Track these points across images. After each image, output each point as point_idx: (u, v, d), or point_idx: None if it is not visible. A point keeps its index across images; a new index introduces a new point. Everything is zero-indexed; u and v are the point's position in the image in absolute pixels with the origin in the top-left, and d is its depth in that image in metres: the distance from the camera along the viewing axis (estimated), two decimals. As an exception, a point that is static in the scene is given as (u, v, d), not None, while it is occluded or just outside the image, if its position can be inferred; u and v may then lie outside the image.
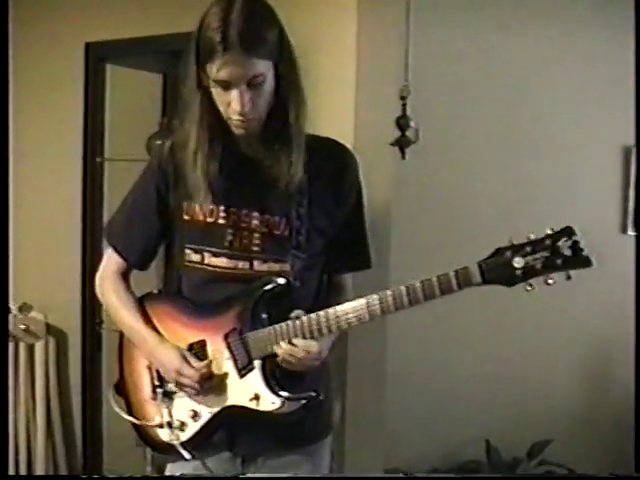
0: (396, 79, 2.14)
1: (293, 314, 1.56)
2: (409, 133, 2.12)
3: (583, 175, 2.93)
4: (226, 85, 1.51)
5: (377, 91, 2.17)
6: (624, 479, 2.07)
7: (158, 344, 1.67)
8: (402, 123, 2.11)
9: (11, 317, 1.83)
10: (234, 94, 1.51)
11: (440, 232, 2.46)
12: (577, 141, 2.89)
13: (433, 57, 2.37)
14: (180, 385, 1.63)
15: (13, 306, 1.96)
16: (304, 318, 1.55)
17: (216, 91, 1.54)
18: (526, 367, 2.85)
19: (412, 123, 2.12)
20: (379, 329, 2.25)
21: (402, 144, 2.12)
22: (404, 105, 2.11)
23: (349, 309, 1.52)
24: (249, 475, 1.70)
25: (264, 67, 1.51)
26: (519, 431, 2.79)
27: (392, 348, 2.34)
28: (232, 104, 1.52)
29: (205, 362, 1.62)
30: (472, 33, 2.54)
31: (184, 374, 1.61)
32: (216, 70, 1.49)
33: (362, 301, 1.50)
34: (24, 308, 2.13)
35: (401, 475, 2.44)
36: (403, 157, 2.13)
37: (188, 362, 1.62)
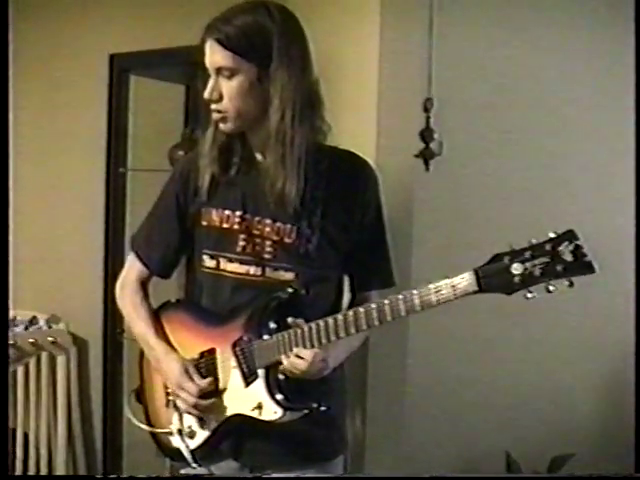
0: (420, 92, 2.14)
1: (289, 320, 1.55)
2: (433, 145, 2.12)
3: (603, 185, 2.92)
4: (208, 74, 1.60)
5: (401, 103, 2.17)
6: (624, 479, 2.04)
7: (164, 355, 1.70)
8: (426, 135, 2.11)
9: (38, 329, 1.86)
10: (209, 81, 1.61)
11: (463, 244, 2.45)
12: (599, 151, 2.88)
13: (457, 69, 2.37)
14: (178, 398, 1.65)
15: (42, 319, 1.99)
16: (305, 327, 1.53)
17: None
18: (547, 380, 2.83)
19: (436, 135, 2.12)
20: (399, 343, 2.25)
21: (426, 156, 2.12)
22: (428, 117, 2.12)
23: (350, 317, 1.49)
24: (248, 475, 1.70)
25: (236, 63, 1.57)
26: (540, 445, 2.76)
27: (412, 362, 2.34)
28: None
29: (207, 380, 1.63)
30: (496, 45, 2.53)
31: (184, 388, 1.63)
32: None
33: (361, 309, 1.48)
34: (52, 320, 2.13)
35: (404, 476, 2.42)
36: (427, 169, 2.13)
37: (190, 376, 1.64)
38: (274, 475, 1.70)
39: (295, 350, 1.53)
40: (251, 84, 1.58)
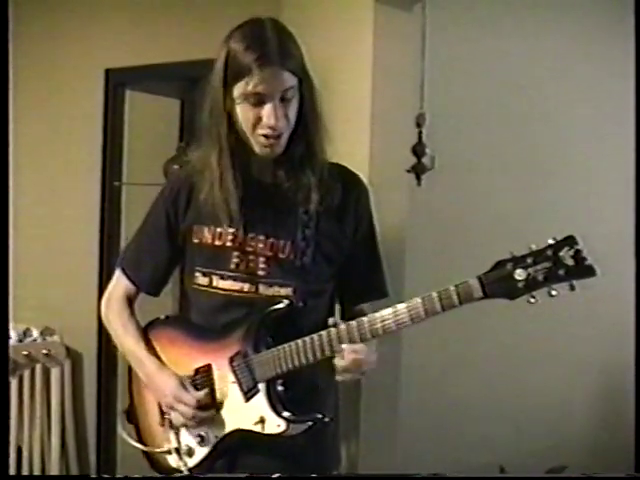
0: (412, 106, 2.16)
1: (331, 320, 1.54)
2: (425, 160, 2.14)
3: (599, 195, 2.93)
4: (259, 100, 1.53)
5: (393, 118, 2.19)
6: (624, 479, 2.04)
7: (156, 370, 1.69)
8: (418, 150, 2.13)
9: (32, 341, 1.85)
10: (268, 108, 1.53)
11: (455, 258, 2.47)
12: (595, 163, 2.89)
13: (449, 85, 2.39)
14: (174, 412, 1.64)
15: (35, 330, 1.99)
16: (307, 339, 1.54)
17: (243, 109, 1.56)
18: (542, 392, 2.84)
19: (428, 150, 2.14)
20: (393, 357, 2.25)
21: (418, 171, 2.14)
22: (420, 132, 2.14)
23: (354, 327, 1.50)
24: (249, 475, 1.69)
25: (294, 82, 1.56)
26: (534, 457, 2.77)
27: (405, 376, 2.34)
28: (265, 118, 1.54)
29: (204, 391, 1.62)
30: (488, 61, 2.56)
31: (182, 400, 1.62)
32: (253, 85, 1.51)
33: (364, 319, 1.50)
34: (46, 332, 2.14)
35: (403, 474, 2.41)
36: (419, 183, 2.15)
37: (186, 389, 1.63)
38: (272, 476, 1.68)
39: (346, 346, 1.50)
40: (297, 102, 1.59)
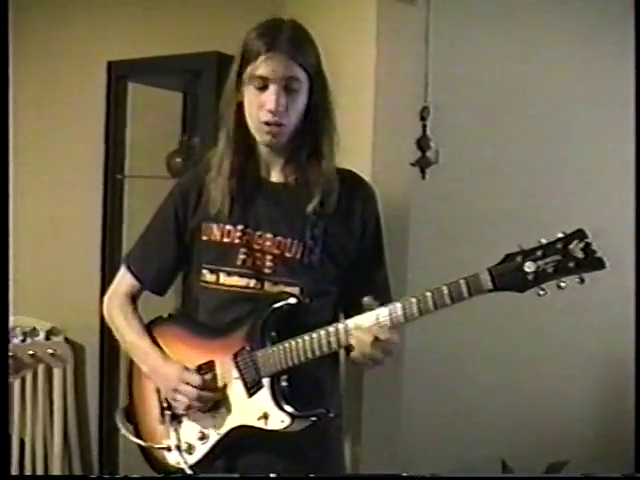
0: (416, 100, 2.15)
1: (365, 300, 1.55)
2: (429, 154, 2.14)
3: (601, 188, 2.93)
4: (263, 84, 1.56)
5: (397, 112, 2.18)
6: (624, 479, 2.05)
7: (161, 361, 1.69)
8: (422, 144, 2.13)
9: (38, 341, 1.85)
10: (270, 91, 1.56)
11: (460, 251, 2.47)
12: (598, 155, 2.89)
13: (453, 78, 2.38)
14: (180, 395, 1.63)
15: (41, 330, 1.98)
16: (313, 334, 1.54)
17: (249, 93, 1.59)
18: (543, 387, 2.84)
19: (432, 144, 2.13)
20: (395, 355, 2.24)
21: (422, 164, 2.14)
22: (424, 126, 2.13)
23: (361, 323, 1.50)
24: (248, 475, 1.68)
25: (302, 76, 1.57)
26: (536, 452, 2.77)
27: (407, 374, 2.34)
28: (266, 103, 1.56)
29: (208, 375, 1.62)
30: (491, 54, 2.55)
31: (186, 380, 1.62)
32: (257, 66, 1.55)
33: (372, 314, 1.50)
34: (52, 332, 2.12)
35: (403, 474, 2.41)
36: (423, 177, 2.15)
37: (191, 372, 1.64)
38: (263, 475, 1.67)
39: (377, 331, 1.49)
40: (304, 101, 1.60)
